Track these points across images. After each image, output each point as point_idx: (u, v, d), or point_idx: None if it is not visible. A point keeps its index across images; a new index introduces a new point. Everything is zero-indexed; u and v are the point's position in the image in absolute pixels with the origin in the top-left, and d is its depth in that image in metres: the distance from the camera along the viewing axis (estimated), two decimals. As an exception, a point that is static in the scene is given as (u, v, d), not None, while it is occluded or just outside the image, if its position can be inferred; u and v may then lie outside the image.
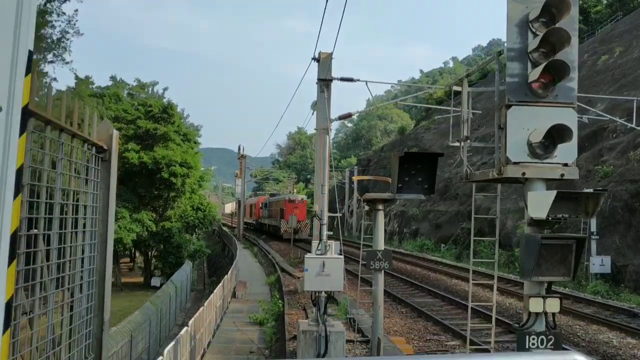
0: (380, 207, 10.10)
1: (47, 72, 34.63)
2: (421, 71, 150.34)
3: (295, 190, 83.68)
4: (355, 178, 10.29)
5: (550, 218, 5.47)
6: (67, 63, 31.96)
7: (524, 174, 5.81)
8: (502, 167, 5.86)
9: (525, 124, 5.86)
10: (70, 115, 2.50)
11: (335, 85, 18.84)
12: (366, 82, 18.45)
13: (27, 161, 2.06)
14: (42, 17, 31.10)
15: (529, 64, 5.90)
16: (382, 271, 10.23)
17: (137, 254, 50.84)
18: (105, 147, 3.01)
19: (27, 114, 1.74)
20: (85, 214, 2.87)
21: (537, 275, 5.61)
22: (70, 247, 2.66)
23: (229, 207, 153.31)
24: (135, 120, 39.74)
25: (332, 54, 18.33)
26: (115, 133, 3.06)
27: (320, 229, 12.58)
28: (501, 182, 6.41)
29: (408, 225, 44.54)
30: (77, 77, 40.39)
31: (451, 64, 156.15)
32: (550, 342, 5.78)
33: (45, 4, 31.11)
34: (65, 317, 2.65)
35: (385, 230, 48.47)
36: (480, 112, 33.00)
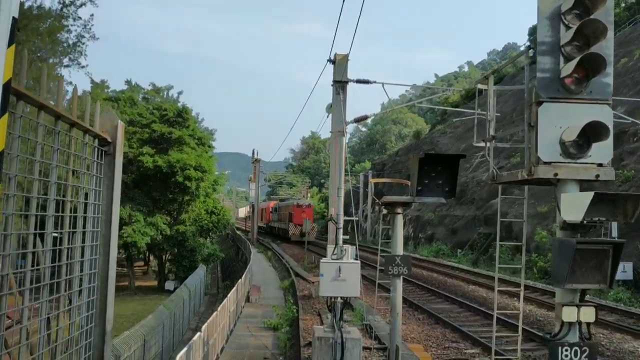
0: (399, 210, 9.78)
1: (63, 76, 34.82)
2: (436, 75, 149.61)
3: (309, 195, 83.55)
4: (372, 181, 10.01)
5: (585, 221, 5.10)
6: (82, 67, 31.98)
7: (556, 174, 5.46)
8: (533, 167, 5.51)
9: (558, 121, 5.51)
10: (70, 104, 2.24)
11: (348, 89, 18.56)
12: (382, 84, 18.16)
13: (13, 149, 1.80)
14: (59, 21, 31.23)
15: (561, 59, 5.55)
16: (401, 277, 9.88)
17: (152, 258, 50.91)
18: (109, 140, 2.75)
19: (7, 90, 1.49)
20: (85, 213, 2.60)
21: (571, 282, 5.25)
22: (68, 249, 2.39)
23: (243, 211, 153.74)
24: (150, 124, 39.81)
25: (348, 55, 18.07)
26: (121, 124, 2.79)
27: (336, 233, 12.30)
28: (531, 183, 6.06)
29: (423, 230, 44.05)
30: (92, 81, 40.65)
31: (466, 68, 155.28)
32: (585, 354, 5.41)
33: (61, 9, 31.24)
34: (61, 327, 2.38)
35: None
36: (498, 114, 32.54)
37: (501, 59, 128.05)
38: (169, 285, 40.02)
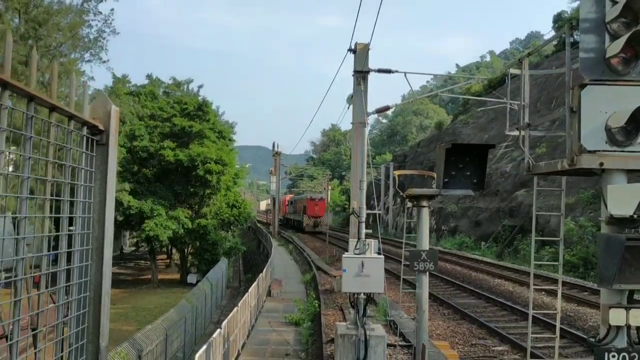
0: (425, 203, 9.34)
1: (84, 71, 34.93)
2: (457, 65, 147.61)
3: (329, 188, 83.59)
4: (396, 173, 9.61)
5: (636, 215, 4.61)
6: (104, 62, 31.98)
7: (601, 164, 4.95)
8: (575, 156, 5.01)
9: (603, 106, 5.00)
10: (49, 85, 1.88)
11: (369, 81, 18.10)
12: (405, 73, 17.67)
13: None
14: (79, 16, 31.22)
15: (607, 37, 5.04)
16: (427, 273, 9.46)
17: (174, 251, 51.16)
18: (102, 128, 2.39)
19: None
20: (74, 212, 2.26)
21: (620, 282, 4.75)
22: (49, 256, 2.05)
23: (264, 204, 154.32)
24: (171, 118, 39.83)
25: (368, 44, 17.59)
26: (115, 109, 2.43)
27: (358, 226, 11.92)
28: (572, 174, 5.56)
29: (446, 223, 43.40)
30: (114, 76, 40.73)
31: (488, 58, 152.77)
32: (634, 361, 4.92)
33: (82, 4, 31.22)
34: (47, 345, 2.03)
35: (422, 228, 47.16)
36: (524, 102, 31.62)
37: (524, 48, 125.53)
38: (191, 278, 40.13)
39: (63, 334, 2.15)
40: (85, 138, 2.30)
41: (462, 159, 9.01)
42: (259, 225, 68.16)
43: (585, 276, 23.14)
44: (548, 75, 45.56)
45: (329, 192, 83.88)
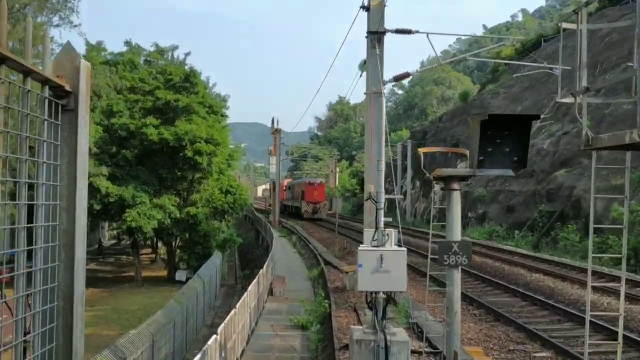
0: (456, 186, 9.12)
1: (53, 37, 34.59)
2: (484, 27, 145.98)
3: (338, 169, 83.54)
4: (422, 150, 9.31)
5: None
6: (75, 26, 31.65)
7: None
8: (649, 126, 4.73)
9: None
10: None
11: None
12: (427, 33, 17.34)
13: None
14: (45, -27, 30.88)
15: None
16: (459, 268, 9.25)
17: (160, 245, 51.27)
18: (69, 88, 2.13)
19: None
20: (35, 199, 2.00)
21: None
22: (3, 254, 1.80)
23: (261, 190, 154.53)
24: (154, 90, 39.54)
25: (384, 0, 17.18)
26: (85, 65, 2.17)
27: (376, 214, 11.68)
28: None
29: (473, 209, 43.16)
30: (87, 43, 40.39)
31: (520, 17, 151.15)
32: None
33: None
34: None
35: (445, 214, 47.40)
36: (569, 67, 31.11)
37: (561, 5, 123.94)
38: (180, 275, 40.21)
39: (24, 358, 1.91)
40: (47, 102, 2.04)
41: (500, 133, 8.82)
42: (256, 213, 68.24)
43: (636, 269, 22.90)
44: (590, 37, 44.90)
45: (337, 175, 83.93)
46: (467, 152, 9.38)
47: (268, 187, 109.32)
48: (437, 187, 9.49)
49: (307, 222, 62.00)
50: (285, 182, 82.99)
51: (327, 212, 69.23)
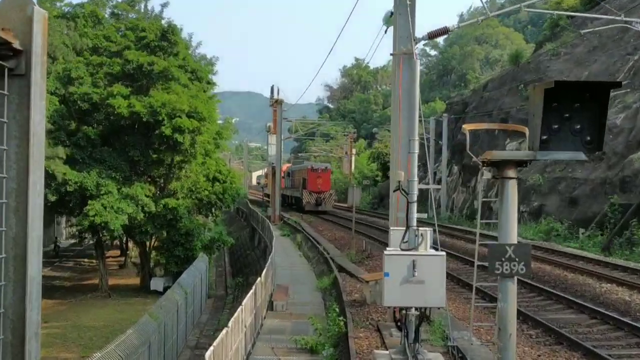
0: (512, 173, 9.01)
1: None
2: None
3: (354, 151, 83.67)
4: (468, 127, 9.10)
5: None
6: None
7: None
8: None
9: None
10: None
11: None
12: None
13: None
14: None
15: None
16: (515, 279, 9.15)
17: (131, 245, 51.44)
18: (18, 47, 1.99)
19: None
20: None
21: None
22: None
23: (255, 177, 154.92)
24: (122, 51, 39.45)
25: None
26: (40, 14, 2.03)
27: (407, 209, 11.61)
28: None
29: (527, 201, 42.99)
30: (38, -10, 40.35)
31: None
32: None
33: None
34: None
35: (490, 208, 47.51)
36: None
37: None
38: (157, 284, 40.37)
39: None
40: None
41: (569, 106, 8.77)
42: (251, 206, 68.39)
43: None
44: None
45: (353, 158, 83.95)
46: (525, 130, 9.26)
47: (264, 173, 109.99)
48: (486, 174, 9.34)
49: (315, 218, 62.07)
50: (284, 167, 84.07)
51: (333, 204, 70.69)
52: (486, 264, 9.31)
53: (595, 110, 8.58)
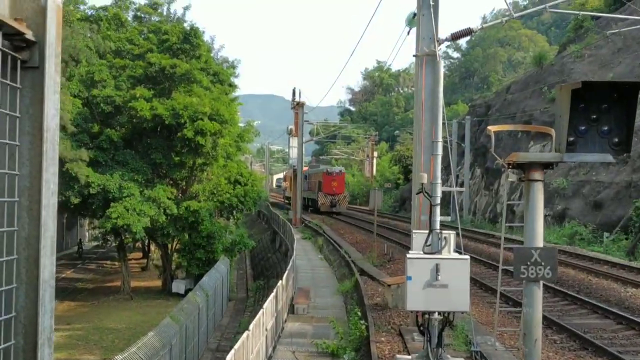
0: (538, 176, 8.88)
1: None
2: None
3: (376, 154, 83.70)
4: (493, 128, 8.97)
5: None
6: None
7: None
8: None
9: None
10: None
11: None
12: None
13: None
14: None
15: None
16: (540, 283, 9.03)
17: (153, 248, 51.63)
18: (32, 38, 1.92)
19: None
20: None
21: None
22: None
23: (275, 179, 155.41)
24: (145, 54, 39.60)
25: None
26: (54, 4, 1.96)
27: (430, 211, 11.48)
28: None
29: (550, 204, 42.61)
30: (61, -6, 40.58)
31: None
32: None
33: None
34: None
35: (513, 212, 46.87)
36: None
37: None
38: (178, 286, 40.46)
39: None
40: (0, 55, 1.84)
41: (596, 107, 8.67)
42: (272, 209, 68.52)
43: None
44: None
45: (375, 161, 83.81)
46: (552, 131, 9.13)
47: (284, 176, 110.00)
48: (512, 177, 9.20)
49: (336, 221, 62.29)
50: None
51: (347, 205, 75.67)
52: (511, 268, 9.19)
53: (623, 111, 8.45)
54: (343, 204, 73.74)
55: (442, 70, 13.95)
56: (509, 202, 36.32)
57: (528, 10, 27.42)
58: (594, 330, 17.69)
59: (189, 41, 40.99)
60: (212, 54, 47.17)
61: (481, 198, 57.91)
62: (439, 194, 11.75)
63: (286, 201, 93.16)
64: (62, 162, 32.12)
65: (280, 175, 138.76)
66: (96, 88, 37.91)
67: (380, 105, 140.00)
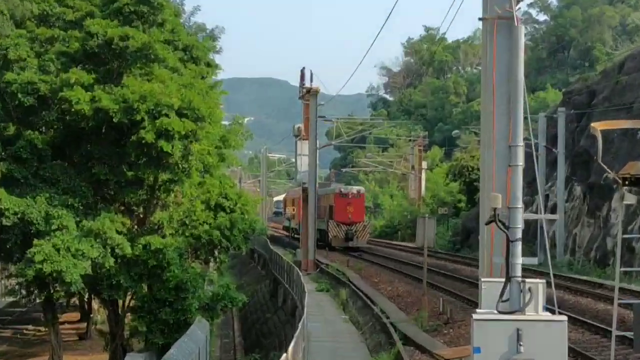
0: (669, 195, 8.84)
1: None
2: None
3: (425, 164, 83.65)
4: (598, 126, 9.02)
5: None
6: None
7: None
8: None
9: None
10: None
11: None
12: None
13: None
14: None
15: None
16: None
17: (96, 306, 51.76)
18: None
19: None
20: None
21: None
22: None
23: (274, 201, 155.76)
24: (83, 20, 39.82)
25: None
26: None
27: (507, 250, 11.48)
28: None
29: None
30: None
31: None
32: None
33: None
34: None
35: (631, 249, 46.83)
36: None
37: None
38: (133, 363, 40.48)
39: None
40: None
41: None
42: (272, 246, 68.40)
43: None
44: None
45: (424, 175, 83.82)
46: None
47: (283, 199, 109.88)
48: (628, 198, 9.23)
49: (368, 264, 62.40)
50: (294, 194, 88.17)
51: (368, 238, 77.89)
52: (629, 334, 9.18)
53: None
54: (363, 236, 75.08)
55: (522, 40, 13.94)
56: (624, 236, 36.23)
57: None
58: None
59: (147, 1, 41.08)
60: (181, 20, 47.44)
61: (583, 229, 57.74)
62: (521, 224, 11.75)
63: (288, 234, 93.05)
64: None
65: (280, 198, 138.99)
66: (10, 71, 38.13)
67: (431, 92, 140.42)
